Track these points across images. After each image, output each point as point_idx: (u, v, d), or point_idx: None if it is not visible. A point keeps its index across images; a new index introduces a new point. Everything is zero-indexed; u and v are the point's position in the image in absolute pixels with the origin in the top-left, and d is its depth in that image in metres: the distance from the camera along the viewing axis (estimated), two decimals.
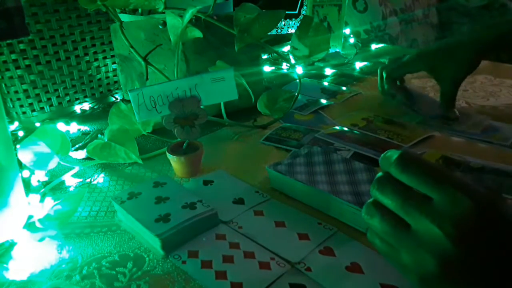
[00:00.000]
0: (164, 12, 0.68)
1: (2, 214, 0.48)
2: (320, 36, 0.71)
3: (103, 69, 0.90)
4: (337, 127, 0.74)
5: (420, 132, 0.71)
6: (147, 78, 0.67)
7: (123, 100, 0.88)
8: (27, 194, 0.54)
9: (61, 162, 0.63)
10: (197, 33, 0.67)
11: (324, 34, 0.71)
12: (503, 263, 0.26)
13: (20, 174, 0.51)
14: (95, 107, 0.90)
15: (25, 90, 0.80)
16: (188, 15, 0.63)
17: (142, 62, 0.67)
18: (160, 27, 0.73)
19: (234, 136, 0.74)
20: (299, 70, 0.99)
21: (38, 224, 0.50)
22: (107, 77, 0.91)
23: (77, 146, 0.73)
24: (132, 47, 0.68)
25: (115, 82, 0.93)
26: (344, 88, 0.96)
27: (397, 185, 0.31)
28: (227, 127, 0.77)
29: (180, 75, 0.73)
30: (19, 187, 0.51)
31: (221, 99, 0.62)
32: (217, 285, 0.42)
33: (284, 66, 1.11)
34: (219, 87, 0.59)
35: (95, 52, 0.87)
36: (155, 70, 0.68)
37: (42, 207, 0.53)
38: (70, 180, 0.62)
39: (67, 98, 0.86)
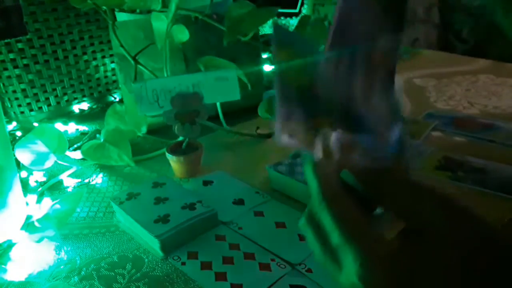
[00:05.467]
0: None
1: (0, 214, 0.48)
2: (318, 33, 0.71)
3: (102, 68, 0.89)
4: None
5: (425, 124, 0.72)
6: (135, 78, 0.67)
7: (119, 100, 0.87)
8: (25, 195, 0.53)
9: (59, 162, 0.62)
10: (183, 36, 0.66)
11: (323, 31, 0.71)
12: None
13: (18, 175, 0.51)
14: (94, 106, 0.89)
15: (23, 90, 0.80)
16: (173, 7, 0.62)
17: (132, 62, 0.67)
18: None
19: (234, 136, 0.73)
20: None
21: (36, 224, 0.50)
22: (106, 77, 0.91)
23: (75, 146, 0.72)
24: (122, 46, 0.67)
25: (114, 81, 0.92)
26: None
27: (316, 228, 0.28)
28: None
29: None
30: (17, 187, 0.50)
31: (223, 99, 0.62)
32: (217, 286, 0.41)
33: None
34: (222, 86, 0.59)
35: (93, 51, 0.86)
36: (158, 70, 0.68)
37: (40, 207, 0.53)
38: (68, 180, 0.62)
39: (66, 97, 0.85)
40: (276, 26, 0.30)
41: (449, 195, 0.25)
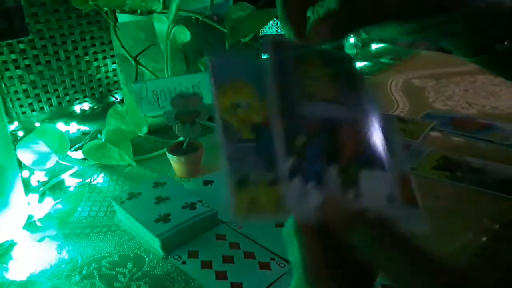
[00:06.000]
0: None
1: (2, 214, 0.48)
2: None
3: (103, 69, 0.89)
4: None
5: (424, 124, 0.72)
6: (136, 79, 0.67)
7: (120, 101, 0.88)
8: (26, 194, 0.54)
9: (61, 162, 0.63)
10: (185, 37, 0.66)
11: None
12: None
13: (19, 174, 0.51)
14: (95, 107, 0.90)
15: (25, 90, 0.80)
16: (173, 8, 0.63)
17: (133, 62, 0.67)
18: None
19: None
20: None
21: (38, 223, 0.50)
22: (107, 77, 0.91)
23: (77, 146, 0.73)
24: (123, 47, 0.68)
25: (115, 82, 0.93)
26: None
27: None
28: None
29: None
30: (18, 187, 0.50)
31: None
32: (217, 285, 0.42)
33: None
34: None
35: (95, 52, 0.87)
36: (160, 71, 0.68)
37: (42, 207, 0.53)
38: (70, 180, 0.62)
39: (67, 98, 0.86)
40: (212, 60, 0.25)
41: (463, 270, 0.20)
